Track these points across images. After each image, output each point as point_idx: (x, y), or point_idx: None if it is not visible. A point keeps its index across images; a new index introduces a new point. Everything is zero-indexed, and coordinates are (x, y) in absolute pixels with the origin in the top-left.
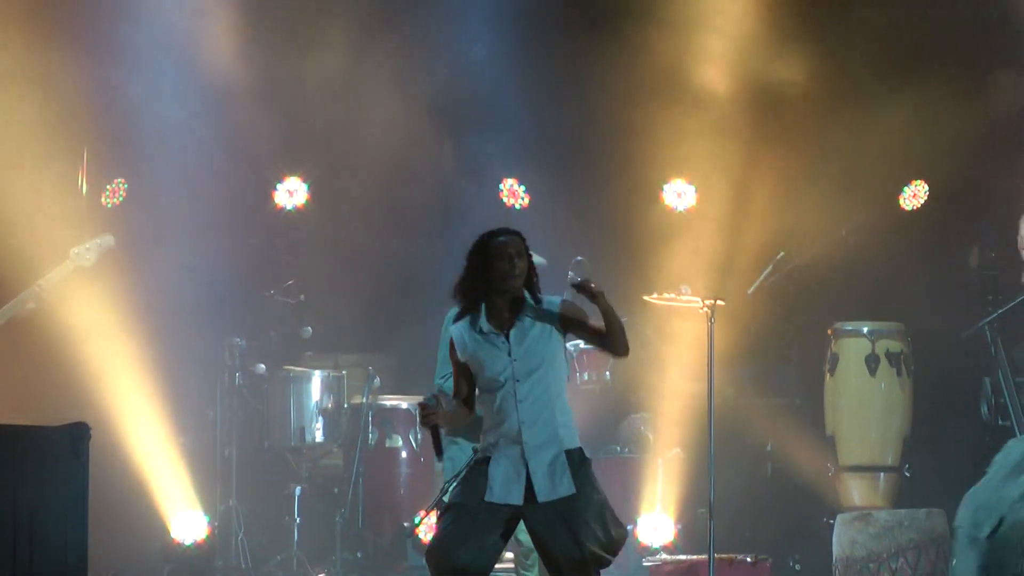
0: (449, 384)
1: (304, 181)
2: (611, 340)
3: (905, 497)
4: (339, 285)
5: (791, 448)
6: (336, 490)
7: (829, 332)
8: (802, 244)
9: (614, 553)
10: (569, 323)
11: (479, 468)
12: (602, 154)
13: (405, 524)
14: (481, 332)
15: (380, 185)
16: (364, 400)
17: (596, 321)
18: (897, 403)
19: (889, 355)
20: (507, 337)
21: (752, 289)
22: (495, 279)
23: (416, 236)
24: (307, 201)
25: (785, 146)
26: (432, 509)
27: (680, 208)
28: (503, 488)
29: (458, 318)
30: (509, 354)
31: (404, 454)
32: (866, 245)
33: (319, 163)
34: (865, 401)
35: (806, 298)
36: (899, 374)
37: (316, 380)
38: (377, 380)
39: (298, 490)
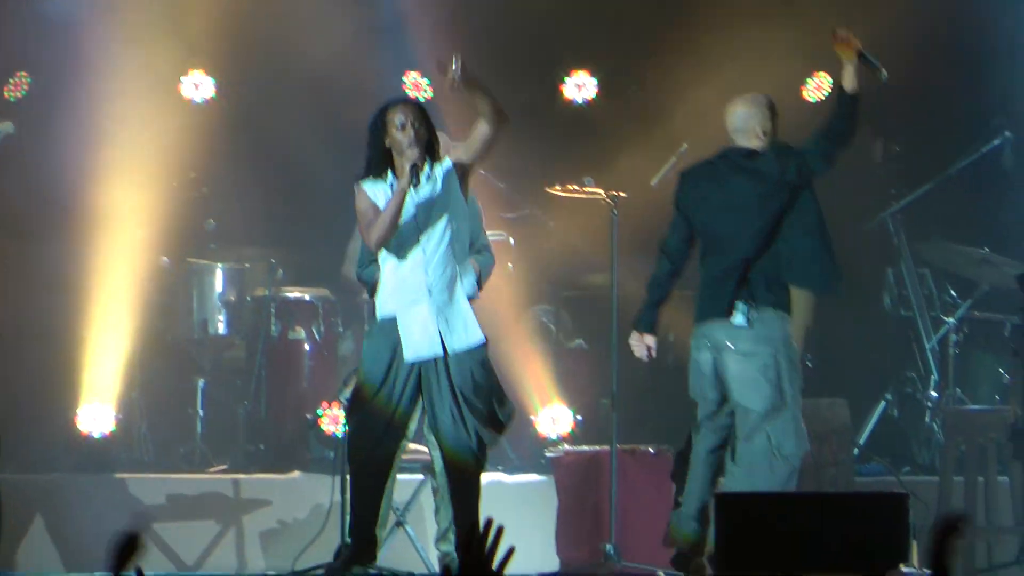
0: (370, 271)
1: (208, 75)
2: (490, 115)
3: (807, 387)
4: (243, 179)
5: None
6: (239, 382)
7: None
8: (705, 136)
9: (504, 425)
10: (459, 164)
11: (385, 328)
12: (502, 46)
13: (308, 416)
14: (389, 188)
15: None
16: (267, 293)
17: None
18: (799, 294)
19: None
20: (413, 192)
21: (656, 180)
22: (396, 144)
23: (329, 142)
24: (215, 95)
25: (688, 38)
26: (335, 400)
27: (580, 100)
28: (419, 343)
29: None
30: (414, 209)
31: (307, 346)
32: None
33: (228, 58)
34: None
35: None
36: None
37: (219, 273)
38: (280, 272)
39: (201, 383)
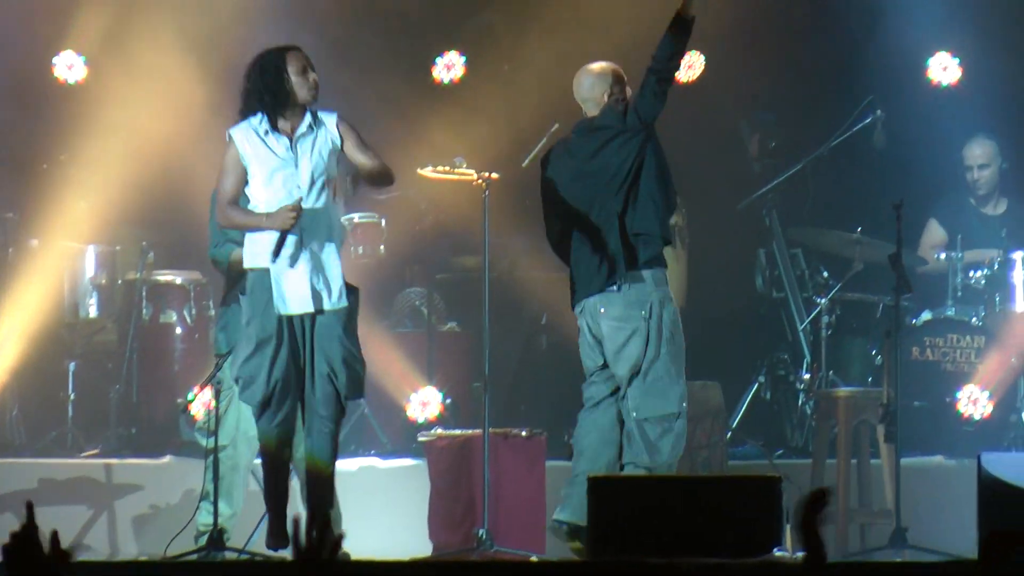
0: (224, 250)
1: (80, 55)
2: (378, 175)
3: None
4: (114, 161)
5: (567, 322)
6: (110, 366)
7: None
8: (576, 116)
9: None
10: (347, 136)
11: (262, 281)
12: (372, 26)
13: (179, 400)
14: (264, 137)
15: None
16: (138, 275)
17: (367, 154)
18: (673, 275)
19: None
20: (292, 144)
21: (527, 161)
22: (292, 90)
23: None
24: (87, 75)
25: (553, 16)
26: (206, 384)
27: (447, 80)
28: (293, 298)
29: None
30: (295, 164)
31: (179, 330)
32: None
33: (101, 38)
34: None
35: None
36: (674, 247)
37: (90, 255)
38: (151, 255)
39: (72, 366)
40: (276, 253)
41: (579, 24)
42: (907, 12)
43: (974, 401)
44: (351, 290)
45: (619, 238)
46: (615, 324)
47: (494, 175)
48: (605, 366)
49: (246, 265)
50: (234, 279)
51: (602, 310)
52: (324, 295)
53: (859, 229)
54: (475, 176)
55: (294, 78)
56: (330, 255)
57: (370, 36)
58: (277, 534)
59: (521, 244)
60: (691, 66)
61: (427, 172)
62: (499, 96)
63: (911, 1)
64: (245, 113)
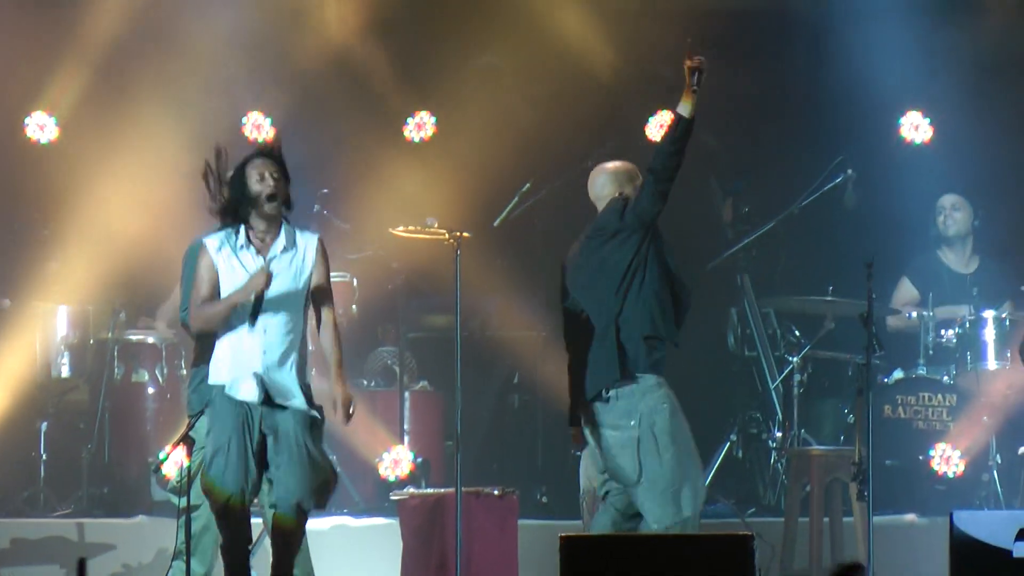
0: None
1: (51, 115)
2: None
3: None
4: (86, 222)
5: (538, 380)
6: (82, 425)
7: None
8: (548, 175)
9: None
10: (320, 266)
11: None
12: (345, 88)
13: (151, 459)
14: (237, 252)
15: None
16: (110, 335)
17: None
18: None
19: None
20: (267, 264)
21: (498, 221)
22: (253, 200)
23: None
24: (59, 136)
25: (529, 76)
26: (178, 443)
27: (418, 139)
28: (243, 390)
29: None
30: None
31: (150, 389)
32: None
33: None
34: None
35: (553, 230)
36: None
37: (61, 315)
38: (123, 315)
39: (44, 425)
40: (254, 316)
41: (555, 80)
42: (879, 72)
43: (947, 459)
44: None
45: (614, 342)
46: (608, 433)
47: (465, 234)
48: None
49: (210, 382)
50: (205, 341)
51: (595, 419)
52: (277, 399)
53: (831, 288)
54: (446, 235)
55: (255, 186)
56: (289, 374)
57: (343, 96)
58: None
59: (493, 303)
60: (663, 126)
61: (399, 231)
62: (470, 155)
63: (883, 61)
64: (220, 216)
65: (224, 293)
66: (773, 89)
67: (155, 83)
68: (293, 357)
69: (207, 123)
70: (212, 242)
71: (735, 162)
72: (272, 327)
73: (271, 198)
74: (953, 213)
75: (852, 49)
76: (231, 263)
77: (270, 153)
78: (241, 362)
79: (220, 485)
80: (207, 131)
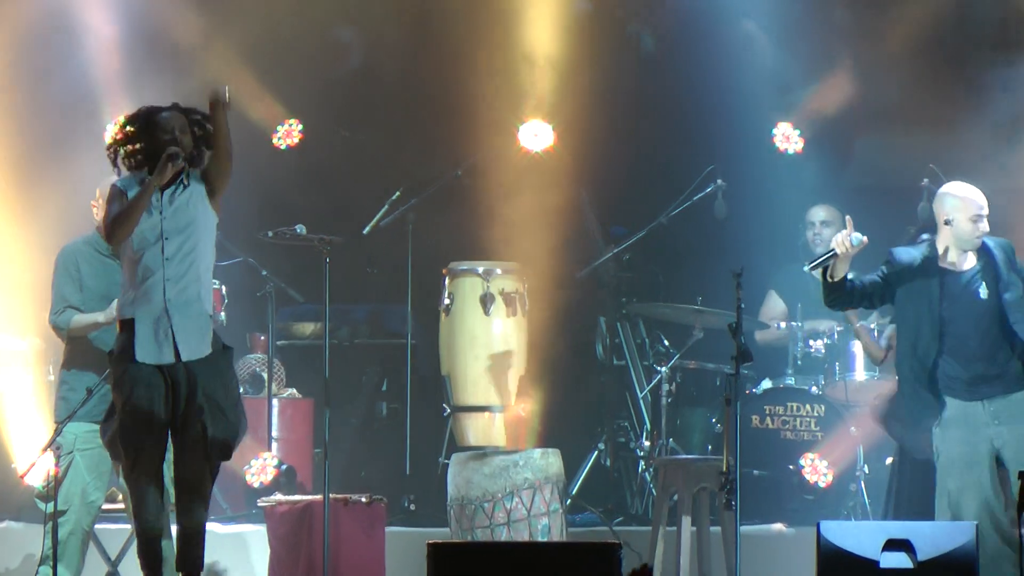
0: (64, 317)
1: None
2: (218, 147)
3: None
4: None
5: (406, 388)
6: None
7: (444, 271)
8: (418, 184)
9: (234, 441)
10: (206, 173)
11: (123, 335)
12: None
13: (13, 466)
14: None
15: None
16: None
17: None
18: (513, 342)
19: (504, 294)
20: (160, 196)
21: (368, 229)
22: (159, 152)
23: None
24: None
25: (399, 85)
26: (45, 449)
27: (284, 146)
28: (152, 348)
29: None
30: (161, 212)
31: (18, 395)
32: (482, 186)
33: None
34: (480, 341)
35: (422, 237)
36: (514, 314)
37: None
38: None
39: None
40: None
41: (424, 89)
42: (751, 83)
43: (815, 469)
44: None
45: None
46: None
47: (335, 239)
48: None
49: (120, 316)
50: (75, 345)
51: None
52: (184, 348)
53: (699, 298)
54: (316, 241)
55: (164, 139)
56: (195, 314)
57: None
58: None
59: (362, 311)
60: (537, 135)
61: (268, 237)
62: (339, 163)
63: (754, 72)
64: (126, 163)
65: None
66: (648, 96)
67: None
68: (199, 291)
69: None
70: (124, 182)
71: (608, 167)
72: (177, 256)
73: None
74: (823, 230)
75: (729, 56)
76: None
77: (176, 107)
78: (145, 300)
79: None
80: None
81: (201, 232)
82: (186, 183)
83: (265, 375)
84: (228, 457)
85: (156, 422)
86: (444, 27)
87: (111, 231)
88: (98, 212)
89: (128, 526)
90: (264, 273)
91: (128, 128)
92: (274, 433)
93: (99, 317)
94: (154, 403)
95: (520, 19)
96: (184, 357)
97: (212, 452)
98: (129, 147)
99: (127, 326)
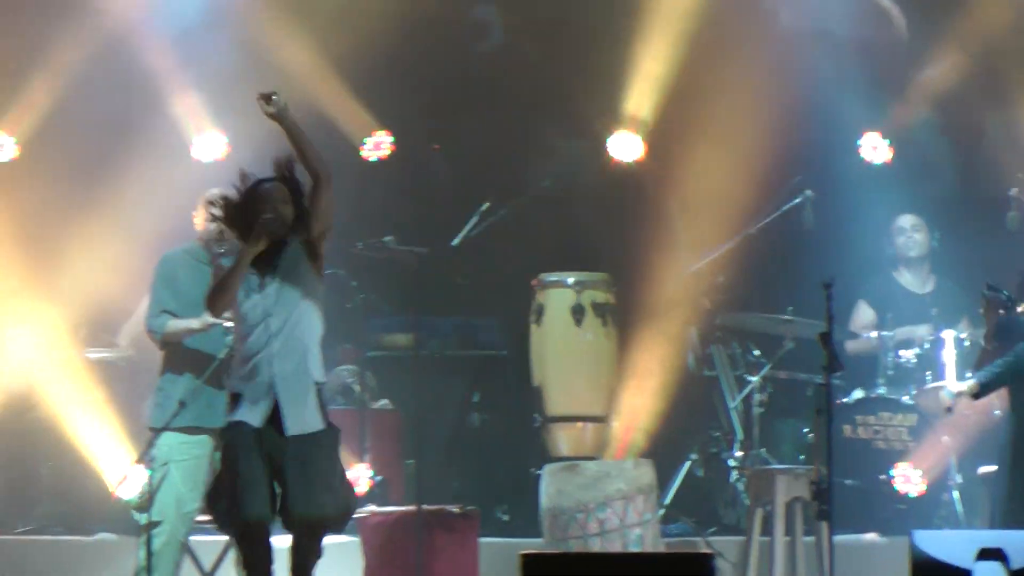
0: (160, 321)
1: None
2: (308, 161)
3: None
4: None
5: (498, 399)
6: (42, 443)
7: (534, 283)
8: (508, 194)
9: (347, 514)
10: (305, 235)
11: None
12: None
13: (110, 477)
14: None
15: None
16: (70, 352)
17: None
18: (603, 353)
19: (595, 305)
20: (261, 273)
21: (457, 240)
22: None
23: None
24: (19, 154)
25: (483, 96)
26: (139, 460)
27: (375, 159)
28: (249, 412)
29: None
30: (261, 288)
31: (111, 405)
32: (573, 196)
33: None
34: (571, 351)
35: (512, 249)
36: (604, 324)
37: (21, 333)
38: (83, 332)
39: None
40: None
41: (512, 101)
42: (838, 93)
43: (907, 479)
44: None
45: None
46: None
47: (424, 250)
48: None
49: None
50: (170, 351)
51: None
52: (289, 422)
53: (790, 308)
54: (404, 252)
55: (265, 211)
56: (301, 379)
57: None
58: None
59: (451, 322)
60: (627, 146)
61: (359, 249)
62: (429, 174)
63: (842, 83)
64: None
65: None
66: (736, 107)
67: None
68: (305, 360)
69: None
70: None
71: (698, 178)
72: (284, 331)
73: (278, 223)
74: (914, 234)
75: (814, 69)
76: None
77: (279, 177)
78: (250, 371)
79: None
80: (157, 151)
81: (306, 305)
82: (286, 254)
83: (356, 387)
84: (340, 530)
85: (261, 484)
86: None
87: (209, 304)
88: (199, 223)
89: (222, 537)
90: (354, 284)
91: (230, 203)
92: (366, 443)
93: (193, 323)
94: (258, 470)
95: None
96: (290, 432)
97: (319, 529)
98: (230, 222)
99: (236, 399)
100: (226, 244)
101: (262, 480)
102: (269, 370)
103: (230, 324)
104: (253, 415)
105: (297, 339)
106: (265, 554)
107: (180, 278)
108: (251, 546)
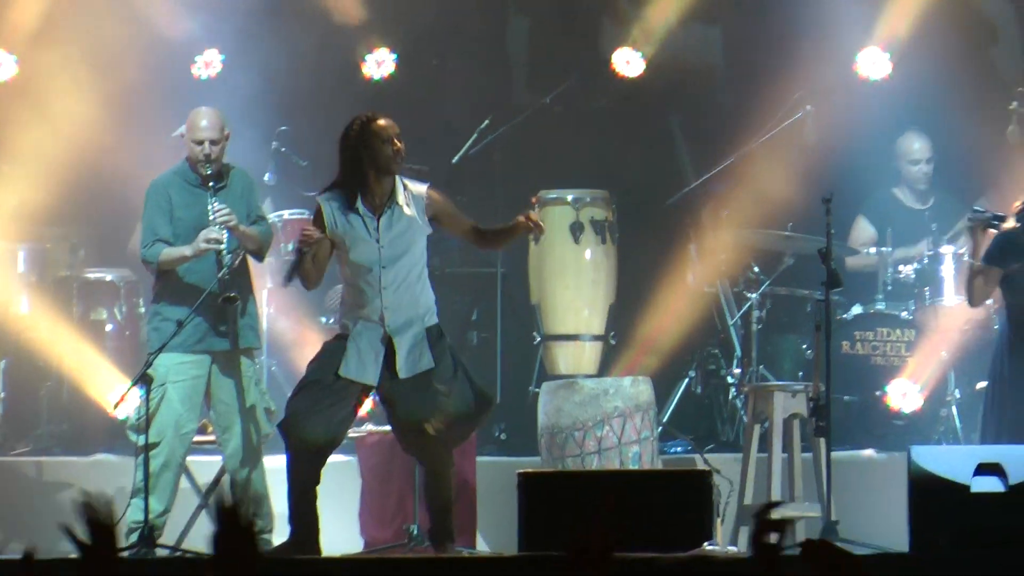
0: (154, 250)
1: (10, 53)
2: (493, 246)
3: (611, 365)
4: (44, 159)
5: (497, 318)
6: (41, 363)
7: (533, 200)
8: (507, 112)
9: (481, 415)
10: (438, 213)
11: (336, 343)
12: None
13: (108, 398)
14: (355, 214)
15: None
16: (68, 273)
17: (464, 218)
18: (602, 271)
19: (593, 223)
20: (378, 223)
21: (457, 158)
22: (381, 162)
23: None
24: (18, 72)
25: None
26: (134, 384)
27: (378, 76)
28: (358, 367)
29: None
30: (377, 240)
31: (109, 327)
32: (572, 113)
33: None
34: (569, 269)
35: (511, 167)
36: (603, 242)
37: (20, 253)
38: (82, 252)
39: (2, 363)
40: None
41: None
42: (836, 7)
43: (904, 395)
44: (441, 335)
45: None
46: None
47: (423, 168)
48: None
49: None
50: (166, 278)
51: None
52: (402, 366)
53: (789, 224)
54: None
55: (383, 147)
56: (412, 326)
57: (298, 33)
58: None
59: (453, 240)
60: (629, 62)
61: None
62: (427, 93)
63: None
64: (342, 180)
65: (344, 250)
66: (730, 23)
67: (113, 15)
68: (417, 301)
69: (164, 55)
70: (329, 203)
71: (693, 95)
72: (394, 284)
73: (398, 160)
74: (927, 167)
75: None
76: (348, 222)
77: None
78: (362, 312)
79: None
80: (163, 63)
81: (418, 255)
82: (402, 201)
83: None
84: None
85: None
86: None
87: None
88: (186, 141)
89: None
90: None
91: (350, 134)
92: None
93: (186, 251)
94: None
95: None
96: (404, 375)
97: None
98: (347, 163)
99: (340, 339)
100: (213, 165)
101: (325, 410)
102: (380, 320)
103: (222, 247)
104: (363, 365)
105: (407, 288)
106: (314, 473)
107: (174, 202)
108: (301, 463)
